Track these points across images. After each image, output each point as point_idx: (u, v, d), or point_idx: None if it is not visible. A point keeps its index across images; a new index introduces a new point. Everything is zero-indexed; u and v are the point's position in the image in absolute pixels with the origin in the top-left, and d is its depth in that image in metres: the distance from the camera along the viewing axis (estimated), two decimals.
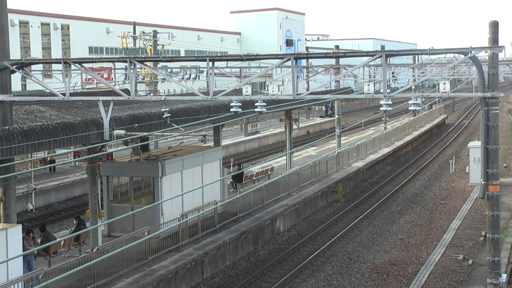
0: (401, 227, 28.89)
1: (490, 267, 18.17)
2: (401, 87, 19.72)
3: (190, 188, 23.97)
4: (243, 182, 32.18)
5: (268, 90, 20.73)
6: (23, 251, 17.32)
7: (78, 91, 46.75)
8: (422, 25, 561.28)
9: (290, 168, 35.08)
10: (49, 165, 36.68)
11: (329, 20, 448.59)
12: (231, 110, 19.99)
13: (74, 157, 24.78)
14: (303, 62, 72.27)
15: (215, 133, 29.32)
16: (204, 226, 23.69)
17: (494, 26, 17.12)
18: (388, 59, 23.62)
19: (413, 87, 64.04)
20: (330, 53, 19.62)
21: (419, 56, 42.42)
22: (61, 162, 34.82)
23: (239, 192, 26.51)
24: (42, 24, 75.53)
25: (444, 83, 17.36)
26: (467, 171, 40.18)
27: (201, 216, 23.37)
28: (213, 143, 29.37)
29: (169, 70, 55.46)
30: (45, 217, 31.81)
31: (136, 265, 19.56)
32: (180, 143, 31.13)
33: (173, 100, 26.80)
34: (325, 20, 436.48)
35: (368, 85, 18.10)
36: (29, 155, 31.58)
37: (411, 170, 44.37)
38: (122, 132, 19.87)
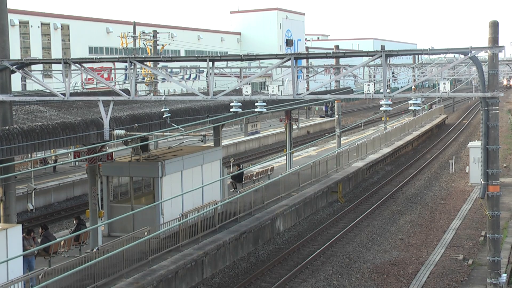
0: (401, 227, 28.89)
1: (490, 267, 18.17)
2: (401, 87, 19.72)
3: (190, 188, 23.97)
4: (243, 182, 32.18)
5: (268, 90, 20.73)
6: (24, 251, 17.32)
7: (78, 91, 46.77)
8: (422, 25, 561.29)
9: (290, 168, 35.08)
10: (49, 165, 36.67)
11: (329, 20, 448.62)
12: (231, 110, 19.99)
13: (74, 157, 24.76)
14: (303, 62, 72.31)
15: (215, 133, 29.31)
16: (204, 226, 23.68)
17: (494, 26, 17.12)
18: (388, 59, 23.63)
19: (413, 87, 64.04)
20: (330, 53, 19.62)
21: (419, 56, 42.43)
22: (61, 162, 34.81)
23: (239, 192, 26.51)
24: (42, 24, 75.56)
25: (444, 83, 17.36)
26: (467, 171, 40.19)
27: (201, 216, 23.37)
28: (213, 143, 29.37)
29: (169, 70, 55.49)
30: (45, 217, 31.80)
31: (136, 265, 19.56)
32: (180, 143, 31.13)
33: (173, 100, 26.80)
34: (325, 20, 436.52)
35: (368, 85, 18.10)
36: (29, 155, 31.57)
37: (411, 170, 44.37)
38: (122, 132, 19.86)
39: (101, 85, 52.60)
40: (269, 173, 34.88)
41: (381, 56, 17.38)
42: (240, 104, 19.74)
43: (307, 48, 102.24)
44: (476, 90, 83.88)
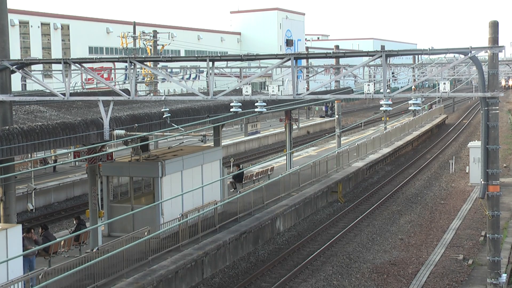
0: (401, 227, 28.89)
1: (490, 267, 18.17)
2: (401, 87, 19.71)
3: (190, 188, 23.97)
4: (243, 182, 32.17)
5: (268, 90, 20.74)
6: (24, 250, 17.32)
7: (78, 91, 46.77)
8: (422, 25, 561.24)
9: (290, 168, 35.07)
10: (49, 165, 36.65)
11: (329, 20, 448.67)
12: (231, 110, 19.99)
13: (74, 157, 24.76)
14: (303, 62, 72.29)
15: (215, 133, 29.31)
16: (204, 226, 23.68)
17: (494, 26, 17.12)
18: (388, 59, 23.62)
19: (413, 87, 64.04)
20: (330, 53, 19.62)
21: (419, 56, 42.40)
22: (61, 162, 34.80)
23: (239, 192, 26.51)
24: (42, 24, 75.56)
25: (444, 83, 17.36)
26: (467, 171, 40.19)
27: (201, 216, 23.37)
28: (213, 143, 29.37)
29: (169, 70, 55.51)
30: (45, 217, 31.80)
31: (136, 265, 19.56)
32: (180, 143, 31.12)
33: (173, 100, 26.81)
34: (325, 20, 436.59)
35: (368, 85, 18.09)
36: (29, 155, 31.57)
37: (411, 170, 44.36)
38: (122, 132, 19.86)
39: (101, 85, 52.59)
40: (269, 173, 34.88)
41: (381, 56, 17.37)
42: (240, 104, 19.74)
43: (307, 48, 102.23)
44: (476, 90, 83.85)
